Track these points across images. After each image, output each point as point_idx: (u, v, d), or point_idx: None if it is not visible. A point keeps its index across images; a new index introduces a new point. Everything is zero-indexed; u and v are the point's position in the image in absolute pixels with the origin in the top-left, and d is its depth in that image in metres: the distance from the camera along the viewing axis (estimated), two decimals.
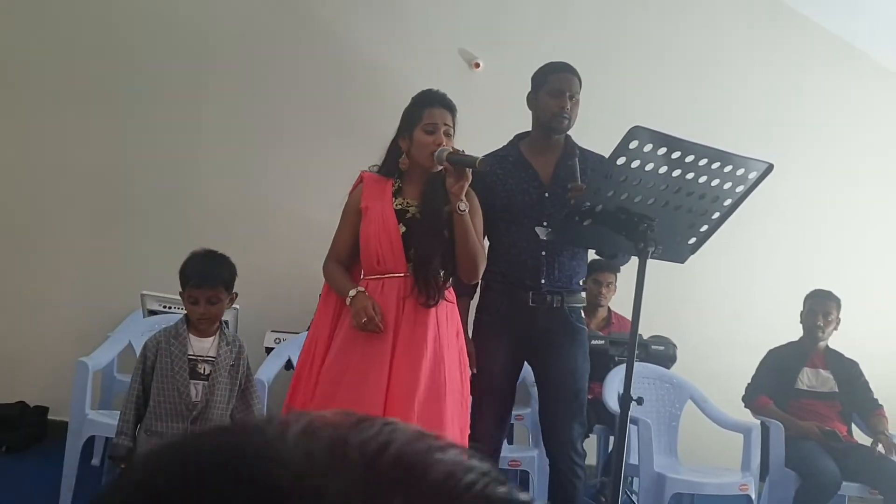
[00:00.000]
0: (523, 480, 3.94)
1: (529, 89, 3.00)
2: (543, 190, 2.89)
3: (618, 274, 4.31)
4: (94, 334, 4.13)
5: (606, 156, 2.93)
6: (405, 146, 2.60)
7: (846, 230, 5.18)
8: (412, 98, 2.66)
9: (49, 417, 4.35)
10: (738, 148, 2.19)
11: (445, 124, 2.55)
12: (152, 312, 3.67)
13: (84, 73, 4.53)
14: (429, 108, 2.56)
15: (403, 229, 2.52)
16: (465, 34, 4.77)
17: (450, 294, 2.60)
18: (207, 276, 2.53)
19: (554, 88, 2.88)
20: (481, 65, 4.72)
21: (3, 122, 4.53)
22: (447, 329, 2.54)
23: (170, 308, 3.67)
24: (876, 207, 5.24)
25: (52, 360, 4.32)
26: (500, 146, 3.04)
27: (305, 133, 4.66)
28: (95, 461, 3.77)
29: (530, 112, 3.00)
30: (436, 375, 2.46)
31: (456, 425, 2.48)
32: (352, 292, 2.47)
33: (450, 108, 2.59)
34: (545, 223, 2.81)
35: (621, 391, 3.58)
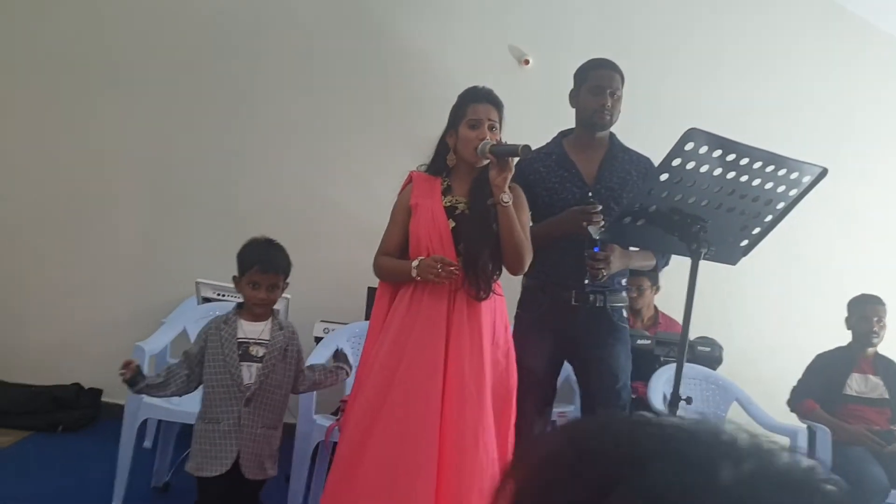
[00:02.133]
0: None
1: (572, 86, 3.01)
2: (587, 189, 2.89)
3: (656, 277, 4.28)
4: (147, 320, 4.25)
5: (652, 156, 2.99)
6: (452, 142, 2.64)
7: (893, 233, 5.11)
8: (459, 95, 2.69)
9: (103, 399, 4.48)
10: (789, 149, 2.19)
11: (490, 119, 2.57)
12: (206, 300, 3.75)
13: (138, 65, 4.65)
14: (473, 103, 2.60)
15: (453, 224, 2.57)
16: (515, 31, 4.78)
17: (498, 287, 2.63)
18: (271, 262, 2.61)
19: (594, 85, 2.89)
20: (531, 61, 4.73)
21: (62, 112, 4.66)
22: (499, 322, 2.58)
23: (224, 296, 3.75)
24: None
25: (107, 343, 4.43)
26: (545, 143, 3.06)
27: (354, 128, 4.72)
28: (147, 443, 3.88)
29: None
30: (486, 369, 2.50)
31: (504, 418, 2.52)
32: (414, 263, 2.51)
33: (495, 103, 2.62)
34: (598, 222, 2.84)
35: (667, 391, 3.62)
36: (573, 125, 3.04)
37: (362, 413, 2.49)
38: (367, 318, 3.79)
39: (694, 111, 4.61)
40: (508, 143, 2.52)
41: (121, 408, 4.15)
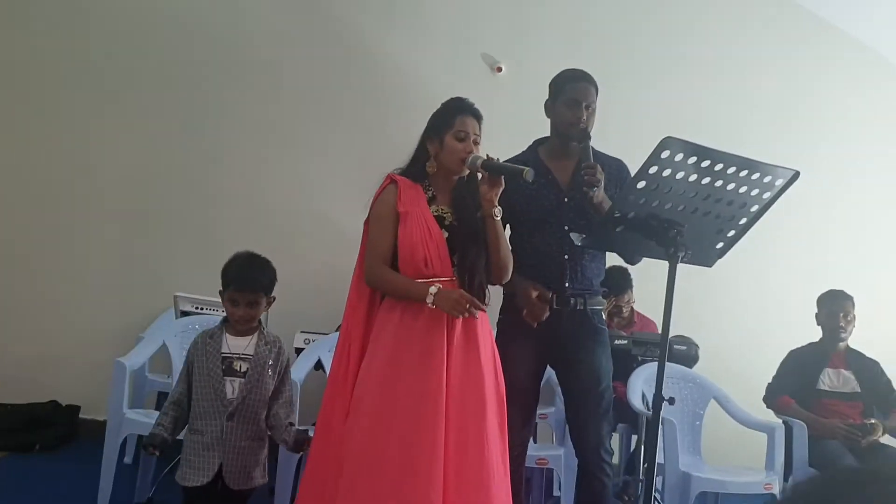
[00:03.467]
0: (549, 479, 4.01)
1: (547, 96, 3.04)
2: (563, 195, 2.93)
3: (630, 290, 4.35)
4: (125, 335, 4.23)
5: (623, 159, 3.04)
6: (433, 150, 2.63)
7: (862, 231, 5.22)
8: (443, 104, 2.69)
9: (81, 416, 4.44)
10: (760, 152, 2.23)
11: (475, 133, 2.61)
12: (185, 313, 3.74)
13: (113, 78, 4.63)
14: (461, 115, 2.61)
15: (446, 235, 2.57)
16: (487, 38, 4.83)
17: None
18: (248, 281, 2.61)
19: (570, 98, 2.92)
20: (503, 69, 4.77)
21: (35, 125, 4.63)
22: (486, 331, 2.61)
23: (202, 309, 3.74)
24: (890, 208, 5.28)
25: (84, 359, 4.42)
26: (520, 151, 3.08)
27: (329, 137, 4.73)
28: (128, 459, 3.86)
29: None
30: (486, 381, 2.53)
31: (496, 425, 2.55)
32: (433, 289, 2.46)
33: (479, 117, 2.65)
34: (566, 227, 2.87)
35: (646, 390, 3.68)
36: (546, 132, 3.09)
37: (361, 430, 2.48)
38: None
39: (665, 117, 4.69)
40: (498, 159, 2.56)
41: (100, 424, 4.12)
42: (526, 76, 4.58)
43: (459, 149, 2.58)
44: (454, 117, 2.60)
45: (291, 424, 2.66)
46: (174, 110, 4.64)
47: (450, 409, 2.45)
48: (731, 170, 2.10)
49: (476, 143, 2.60)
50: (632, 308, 4.52)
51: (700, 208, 2.18)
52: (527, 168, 2.45)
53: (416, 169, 2.67)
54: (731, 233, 2.31)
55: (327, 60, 4.75)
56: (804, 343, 4.04)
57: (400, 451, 2.40)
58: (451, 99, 2.69)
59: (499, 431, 2.57)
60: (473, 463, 2.46)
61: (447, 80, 4.58)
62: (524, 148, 3.10)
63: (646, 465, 2.60)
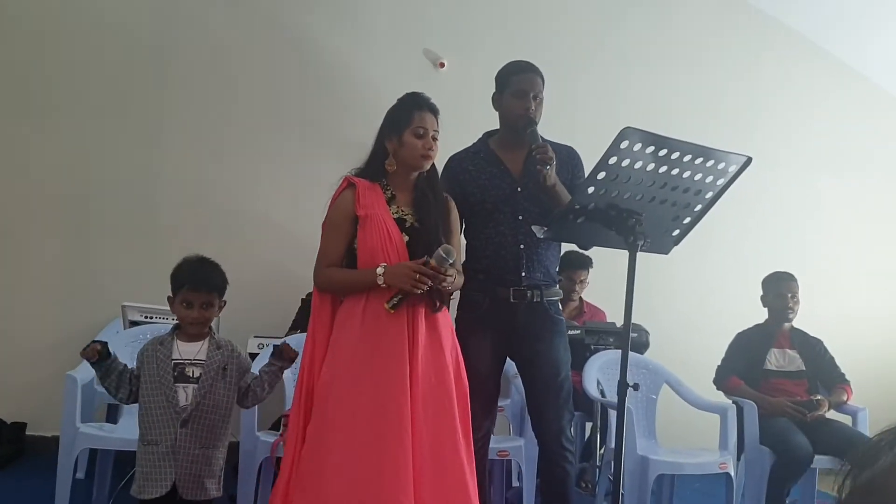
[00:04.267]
0: (508, 470, 4.04)
1: (494, 89, 3.06)
2: (516, 185, 2.97)
3: (591, 269, 4.45)
4: (70, 348, 4.03)
5: (573, 147, 3.08)
6: (392, 147, 2.60)
7: (806, 218, 5.42)
8: (399, 99, 2.67)
9: (28, 433, 4.29)
10: (705, 139, 2.28)
11: (434, 129, 2.60)
12: (133, 323, 3.65)
13: (48, 82, 4.48)
14: (419, 111, 2.59)
15: (407, 238, 2.54)
16: (429, 34, 4.83)
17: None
18: (204, 281, 2.56)
19: (517, 90, 2.95)
20: (446, 64, 4.79)
21: None
22: (449, 330, 2.62)
23: (151, 318, 3.66)
24: (832, 195, 5.49)
25: (29, 374, 4.28)
26: (467, 144, 3.11)
27: (273, 139, 4.68)
28: (80, 475, 3.75)
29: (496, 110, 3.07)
30: (451, 377, 2.54)
31: (465, 422, 2.56)
32: (379, 270, 2.44)
33: (436, 112, 2.64)
34: (520, 217, 2.91)
35: (600, 378, 3.74)
36: (490, 125, 3.12)
37: (326, 430, 2.46)
38: (300, 328, 3.77)
39: (608, 108, 4.78)
40: (448, 155, 2.58)
41: (47, 441, 4.01)
42: (469, 71, 4.61)
43: (419, 146, 2.57)
44: (412, 113, 2.59)
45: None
46: (113, 115, 4.52)
47: (418, 411, 2.44)
48: (687, 157, 2.15)
49: (434, 138, 2.60)
50: (580, 298, 4.60)
51: (657, 197, 2.23)
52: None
53: (373, 168, 2.64)
54: (687, 220, 2.37)
55: (268, 62, 4.69)
56: (747, 326, 4.14)
57: (364, 458, 2.38)
58: (407, 94, 2.67)
59: (462, 429, 2.57)
60: (449, 464, 2.46)
61: (390, 77, 4.58)
62: (469, 143, 3.12)
63: (603, 449, 2.61)
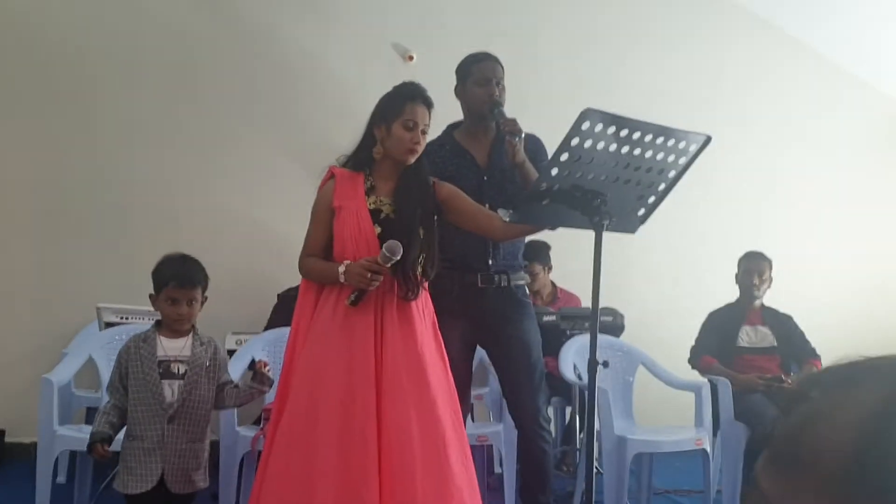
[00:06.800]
0: (490, 457, 4.08)
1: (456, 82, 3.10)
2: (482, 174, 3.02)
3: (547, 258, 4.49)
4: (46, 351, 4.09)
5: (539, 136, 3.12)
6: (380, 135, 2.57)
7: (776, 198, 5.49)
8: (395, 87, 2.62)
9: (7, 440, 4.28)
10: (664, 120, 2.33)
11: (425, 123, 2.56)
12: (109, 325, 3.65)
13: (14, 80, 4.45)
14: (410, 103, 2.54)
15: (379, 230, 2.52)
16: (397, 28, 4.85)
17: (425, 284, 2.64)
18: (188, 276, 2.58)
19: (480, 77, 3.00)
20: (415, 57, 4.80)
21: None
22: (426, 316, 2.63)
23: (127, 319, 3.65)
24: (801, 175, 5.57)
25: (5, 380, 4.28)
26: (434, 137, 3.14)
27: (244, 135, 4.68)
28: (61, 478, 3.74)
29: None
30: (425, 365, 2.53)
31: (448, 408, 2.55)
32: (341, 268, 2.46)
33: (430, 105, 2.59)
34: (488, 205, 2.93)
35: (577, 362, 3.78)
36: (460, 117, 3.15)
37: (294, 422, 2.48)
38: (277, 324, 3.78)
39: (572, 94, 4.82)
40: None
41: (26, 447, 4.00)
42: (438, 64, 4.61)
43: (406, 138, 2.53)
44: (404, 104, 2.54)
45: (236, 386, 2.70)
46: (79, 116, 4.50)
47: (386, 396, 2.44)
48: (648, 137, 2.18)
49: (424, 132, 2.56)
50: (553, 284, 4.65)
51: (621, 177, 2.26)
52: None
53: (361, 155, 2.62)
54: (652, 199, 2.40)
55: (236, 59, 4.70)
56: (720, 305, 4.20)
57: (328, 456, 2.38)
58: (403, 84, 2.62)
59: (453, 416, 2.56)
60: (437, 457, 2.43)
61: (360, 72, 4.60)
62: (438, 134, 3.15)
63: (583, 433, 2.64)
